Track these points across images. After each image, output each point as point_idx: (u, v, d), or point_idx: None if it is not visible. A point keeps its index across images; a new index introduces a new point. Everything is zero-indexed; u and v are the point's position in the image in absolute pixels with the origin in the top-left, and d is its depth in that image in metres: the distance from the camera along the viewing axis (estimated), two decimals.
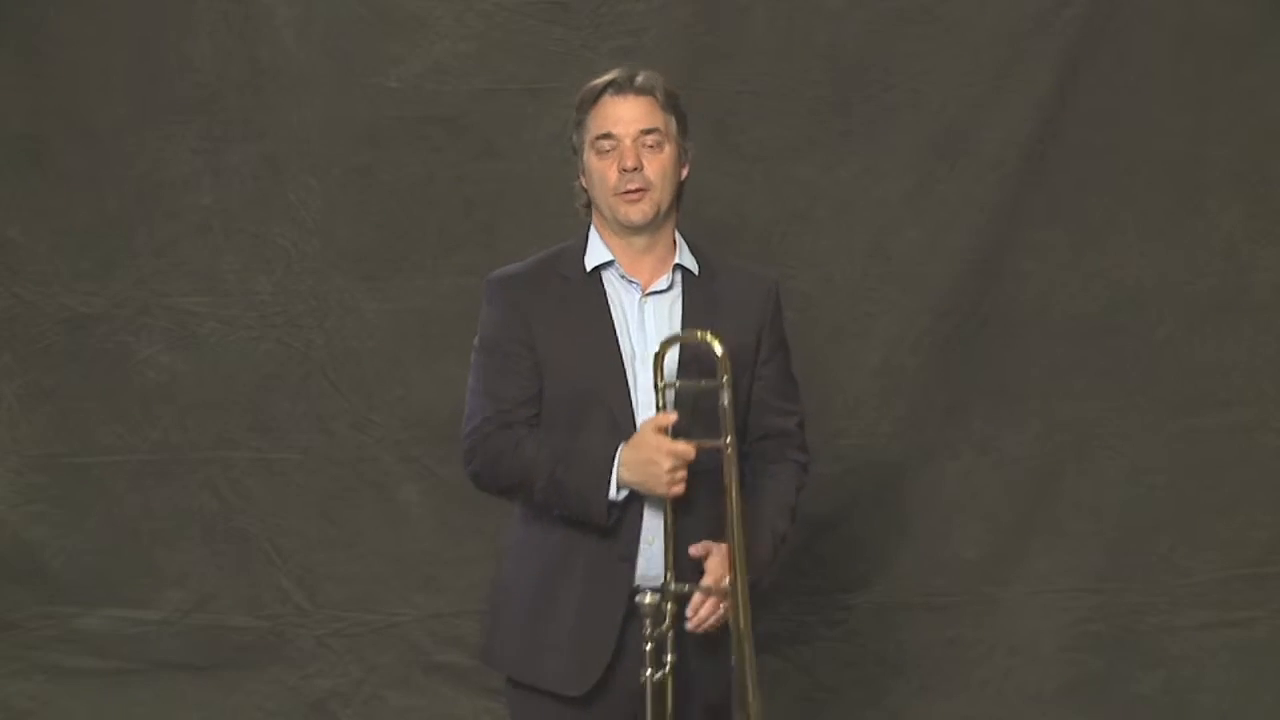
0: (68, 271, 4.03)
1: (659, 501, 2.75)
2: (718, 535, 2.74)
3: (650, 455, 2.68)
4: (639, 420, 2.75)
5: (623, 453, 2.71)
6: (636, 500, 2.76)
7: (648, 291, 2.85)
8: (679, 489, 2.68)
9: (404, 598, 4.09)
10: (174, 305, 4.04)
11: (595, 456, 2.74)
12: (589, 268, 2.85)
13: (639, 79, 2.82)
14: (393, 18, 3.98)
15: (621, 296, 2.85)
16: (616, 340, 2.81)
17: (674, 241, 2.89)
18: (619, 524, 2.77)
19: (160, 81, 3.98)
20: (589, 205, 2.90)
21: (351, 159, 4.01)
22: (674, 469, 2.66)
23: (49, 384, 4.05)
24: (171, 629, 4.09)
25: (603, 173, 2.81)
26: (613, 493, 2.71)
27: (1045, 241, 4.07)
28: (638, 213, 2.80)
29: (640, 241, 2.84)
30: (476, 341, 2.89)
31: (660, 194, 2.81)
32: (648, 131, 2.80)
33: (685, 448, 2.67)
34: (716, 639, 2.76)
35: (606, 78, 2.83)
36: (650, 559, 2.78)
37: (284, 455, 4.07)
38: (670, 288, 2.86)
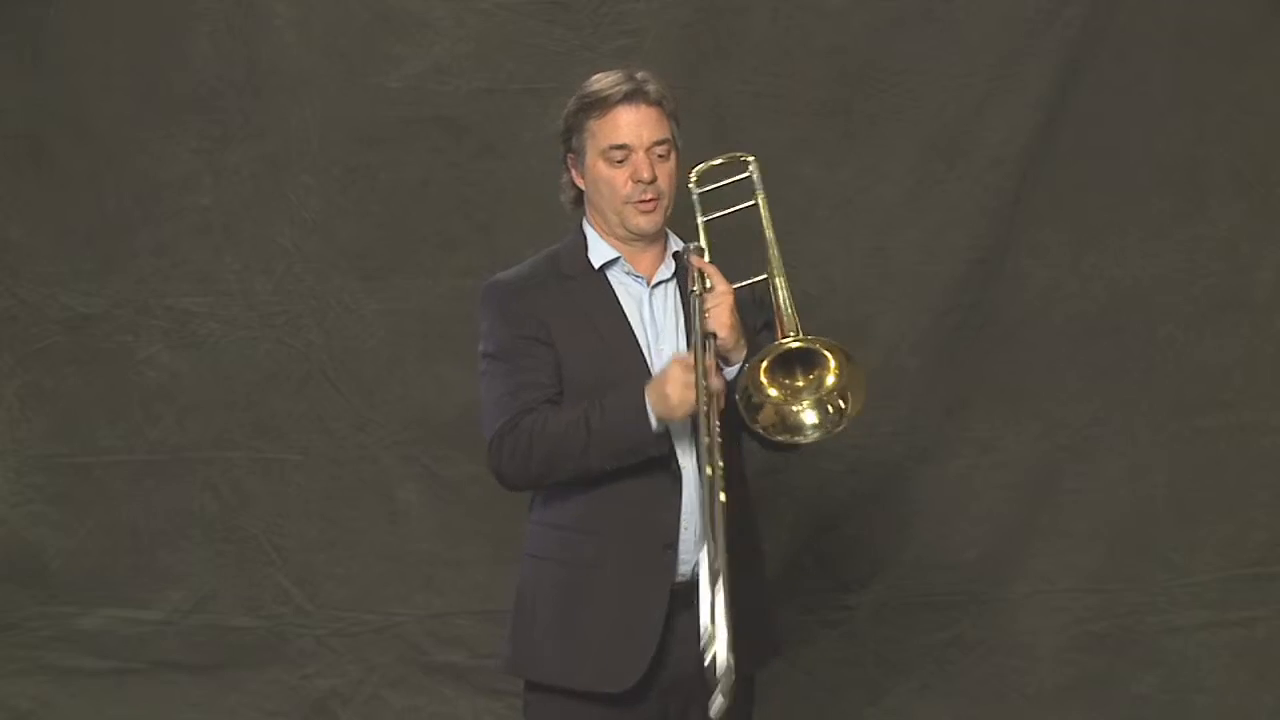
0: (68, 271, 4.03)
1: (695, 486, 2.77)
2: (743, 515, 2.82)
3: (668, 374, 2.69)
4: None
5: (649, 385, 2.72)
6: (675, 488, 2.76)
7: (654, 283, 2.87)
8: (689, 394, 2.65)
9: (404, 598, 4.09)
10: (174, 305, 4.04)
11: (624, 395, 2.73)
12: (596, 265, 2.87)
13: (650, 89, 2.83)
14: (393, 18, 3.98)
15: (629, 291, 2.87)
16: (633, 333, 2.82)
17: (666, 232, 2.93)
18: (656, 512, 2.76)
19: (160, 81, 3.98)
20: (576, 200, 2.91)
21: (351, 159, 4.01)
22: (687, 379, 2.65)
23: (49, 384, 4.05)
24: (171, 629, 4.08)
25: (614, 182, 2.83)
26: (653, 423, 2.71)
27: (1045, 241, 4.07)
28: (650, 222, 2.85)
29: (642, 241, 2.87)
30: (488, 349, 2.87)
31: (669, 200, 2.87)
32: (659, 142, 2.82)
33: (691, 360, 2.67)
34: (750, 608, 2.81)
35: (619, 86, 2.83)
36: (685, 543, 2.80)
37: (284, 455, 4.07)
38: (672, 276, 2.90)
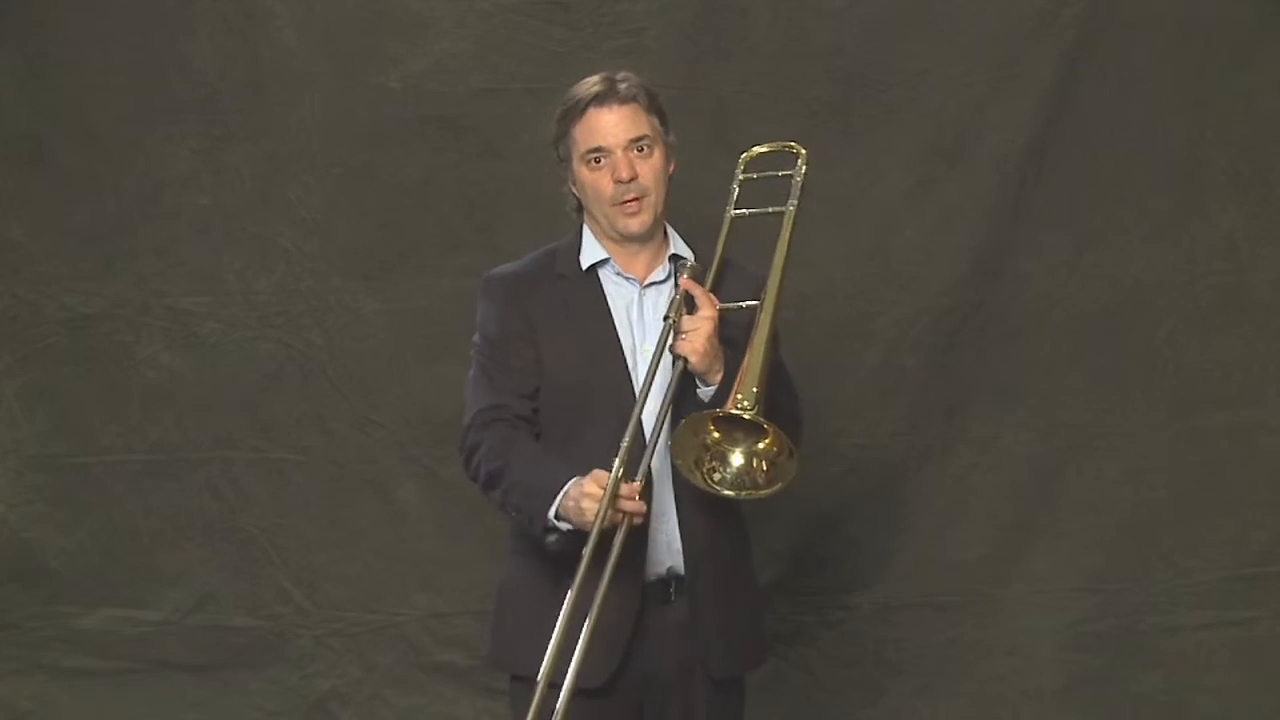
0: (68, 271, 4.03)
1: (667, 484, 2.79)
2: (722, 518, 2.84)
3: (584, 486, 2.66)
4: (642, 414, 2.74)
5: (569, 486, 2.68)
6: (645, 490, 2.75)
7: (646, 284, 2.87)
8: (588, 516, 2.62)
9: (404, 598, 4.09)
10: (174, 305, 4.04)
11: (548, 473, 2.72)
12: (585, 266, 2.87)
13: (621, 87, 2.83)
14: (393, 18, 3.98)
15: (619, 292, 2.88)
16: (617, 335, 2.83)
17: (665, 234, 2.92)
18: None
19: (160, 81, 3.98)
20: (580, 209, 2.92)
21: (351, 159, 4.01)
22: (595, 504, 2.62)
23: (49, 384, 4.05)
24: (171, 629, 4.09)
25: (597, 185, 2.83)
26: (552, 511, 2.69)
27: (1045, 241, 4.07)
28: (638, 224, 2.84)
29: (634, 244, 2.87)
30: (477, 339, 2.90)
31: (656, 197, 2.85)
32: (637, 139, 2.82)
33: (600, 491, 2.62)
34: (730, 610, 2.82)
35: (589, 91, 2.83)
36: (655, 541, 2.80)
37: (284, 455, 4.07)
38: (668, 278, 2.89)
